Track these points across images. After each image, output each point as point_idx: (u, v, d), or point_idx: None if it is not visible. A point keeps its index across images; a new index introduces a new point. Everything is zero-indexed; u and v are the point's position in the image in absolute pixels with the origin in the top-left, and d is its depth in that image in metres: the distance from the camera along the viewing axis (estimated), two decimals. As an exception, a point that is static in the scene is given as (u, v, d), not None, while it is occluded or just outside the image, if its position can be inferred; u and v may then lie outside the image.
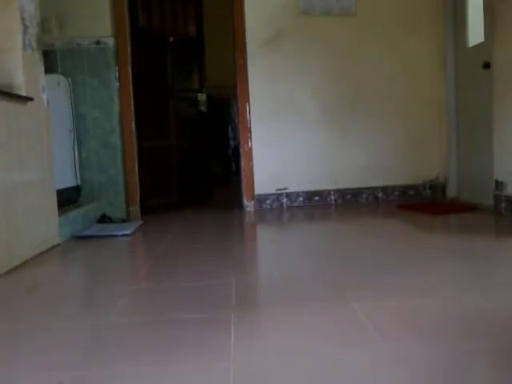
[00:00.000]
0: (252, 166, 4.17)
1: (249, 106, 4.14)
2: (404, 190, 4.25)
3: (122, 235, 3.25)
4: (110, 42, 3.87)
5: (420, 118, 4.24)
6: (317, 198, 4.20)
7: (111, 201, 3.94)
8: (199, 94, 4.84)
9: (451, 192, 4.21)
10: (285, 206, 4.19)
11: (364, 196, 4.22)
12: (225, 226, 3.64)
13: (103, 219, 3.72)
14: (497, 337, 1.39)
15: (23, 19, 2.76)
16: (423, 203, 3.96)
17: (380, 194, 4.23)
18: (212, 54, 5.52)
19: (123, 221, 3.81)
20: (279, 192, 4.19)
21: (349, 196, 4.21)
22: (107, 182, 3.93)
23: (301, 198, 4.19)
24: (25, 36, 2.77)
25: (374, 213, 3.72)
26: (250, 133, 4.16)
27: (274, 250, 2.78)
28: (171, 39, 4.49)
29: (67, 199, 3.49)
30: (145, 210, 4.10)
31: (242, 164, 4.19)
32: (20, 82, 2.73)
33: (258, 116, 4.15)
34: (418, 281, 1.95)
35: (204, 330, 1.56)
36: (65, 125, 3.67)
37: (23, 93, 2.73)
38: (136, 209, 4.05)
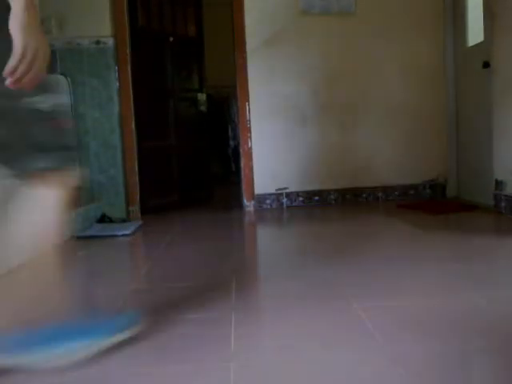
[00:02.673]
0: (252, 166, 4.17)
1: (248, 105, 4.14)
2: (404, 189, 4.24)
3: (122, 235, 3.25)
4: (110, 41, 3.87)
5: (420, 118, 4.24)
6: (317, 197, 4.19)
7: (111, 201, 3.93)
8: (199, 94, 4.84)
9: (451, 192, 4.21)
10: (285, 205, 4.19)
11: (364, 196, 4.22)
12: (225, 225, 3.64)
13: (103, 219, 3.72)
14: (497, 337, 1.39)
15: (23, 19, 2.75)
16: (423, 203, 3.97)
17: (380, 194, 4.23)
18: (212, 54, 5.51)
19: (123, 221, 3.81)
20: (279, 192, 4.19)
21: (349, 196, 4.21)
22: (107, 182, 3.93)
23: (301, 198, 4.19)
24: (24, 36, 2.77)
25: (373, 213, 3.72)
26: (250, 133, 4.16)
27: (273, 249, 2.78)
28: (171, 39, 4.49)
29: (67, 199, 3.49)
30: (145, 210, 4.10)
31: (242, 164, 4.19)
32: (20, 82, 2.72)
33: (258, 116, 4.15)
34: (418, 280, 1.95)
35: (204, 330, 1.56)
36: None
37: (23, 93, 2.72)
38: (136, 209, 4.05)
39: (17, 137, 1.16)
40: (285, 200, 4.19)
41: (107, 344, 1.28)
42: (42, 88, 1.15)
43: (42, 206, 1.23)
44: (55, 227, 1.22)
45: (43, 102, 1.16)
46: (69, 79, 3.73)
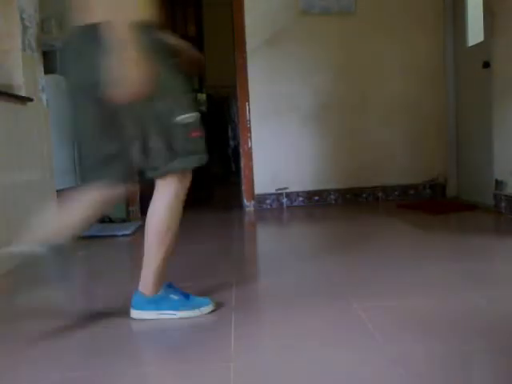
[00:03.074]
0: (252, 166, 4.17)
1: (248, 105, 4.14)
2: (404, 189, 4.24)
3: (122, 235, 3.25)
4: (110, 42, 3.86)
5: (420, 118, 4.23)
6: (317, 197, 4.19)
7: (111, 201, 3.92)
8: (199, 94, 4.85)
9: (451, 192, 4.21)
10: (285, 205, 4.18)
11: (364, 196, 4.22)
12: (225, 225, 3.64)
13: (103, 219, 3.71)
14: (496, 337, 1.39)
15: (23, 20, 2.76)
16: (423, 203, 3.96)
17: (380, 194, 4.23)
18: (212, 54, 5.52)
19: (123, 221, 3.80)
20: (279, 192, 4.18)
21: (349, 196, 4.20)
22: (107, 182, 3.92)
23: (301, 198, 4.19)
24: (24, 36, 2.77)
25: (373, 212, 3.72)
26: (250, 133, 4.16)
27: (273, 249, 2.78)
28: (171, 39, 4.49)
29: (67, 199, 3.49)
30: (145, 210, 4.08)
31: (242, 164, 4.19)
32: (20, 83, 2.72)
33: (258, 116, 4.15)
34: (418, 280, 1.95)
35: (204, 331, 1.56)
36: (65, 125, 3.66)
37: (23, 93, 2.72)
38: (136, 209, 4.04)
39: (164, 145, 1.54)
40: (285, 200, 4.18)
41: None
42: (188, 107, 1.57)
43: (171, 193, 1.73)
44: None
45: (188, 118, 1.55)
46: (69, 79, 3.73)
